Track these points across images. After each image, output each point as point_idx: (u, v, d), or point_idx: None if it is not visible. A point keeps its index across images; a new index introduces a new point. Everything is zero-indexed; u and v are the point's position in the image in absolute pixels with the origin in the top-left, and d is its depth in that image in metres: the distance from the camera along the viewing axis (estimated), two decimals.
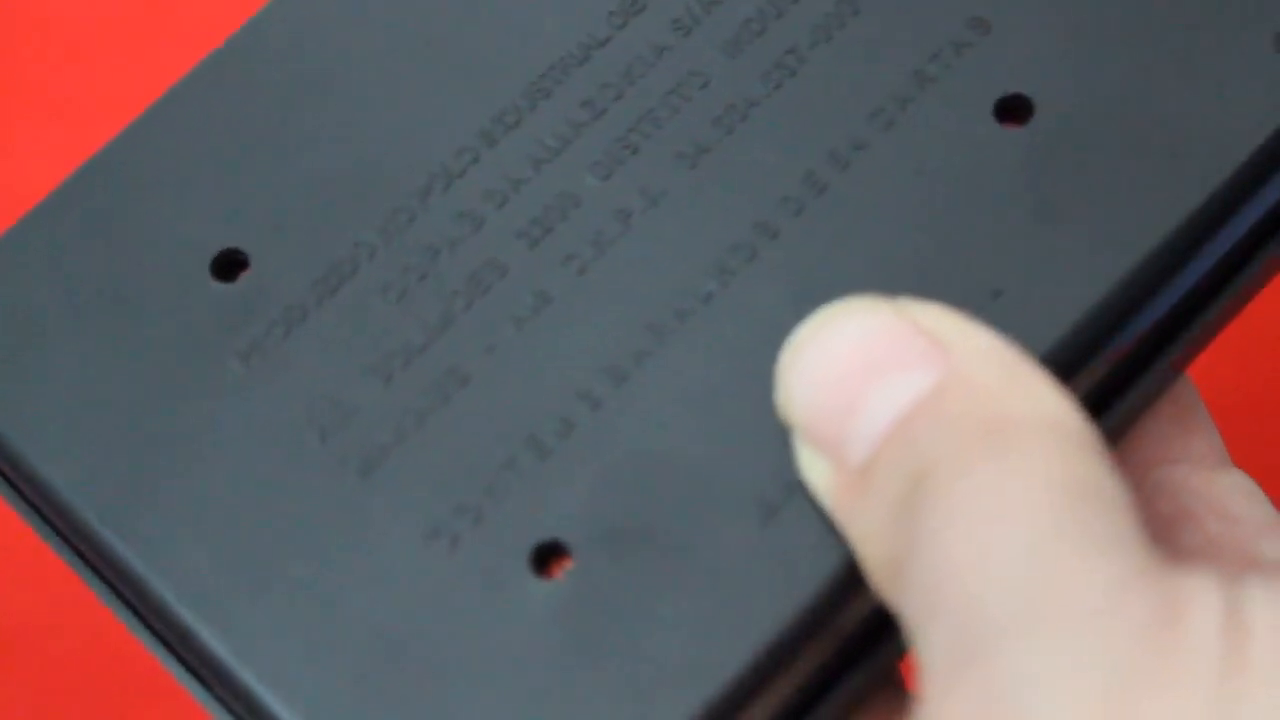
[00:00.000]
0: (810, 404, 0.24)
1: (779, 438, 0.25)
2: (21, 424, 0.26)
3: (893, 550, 0.23)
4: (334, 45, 0.28)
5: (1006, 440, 0.22)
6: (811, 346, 0.24)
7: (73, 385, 0.26)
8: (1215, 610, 0.21)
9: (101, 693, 0.37)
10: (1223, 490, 0.26)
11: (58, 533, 0.26)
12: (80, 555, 0.26)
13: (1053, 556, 0.22)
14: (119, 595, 0.26)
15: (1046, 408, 0.23)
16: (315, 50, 0.28)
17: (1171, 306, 0.25)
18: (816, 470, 0.24)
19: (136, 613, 0.25)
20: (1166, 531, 0.26)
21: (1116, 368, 0.25)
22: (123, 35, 0.42)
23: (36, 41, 0.42)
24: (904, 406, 0.23)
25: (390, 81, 0.27)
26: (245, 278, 0.26)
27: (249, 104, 0.27)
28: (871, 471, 0.23)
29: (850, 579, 0.24)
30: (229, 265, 0.27)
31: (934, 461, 0.22)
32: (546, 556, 0.24)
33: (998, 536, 0.22)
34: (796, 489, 0.24)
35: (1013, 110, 0.26)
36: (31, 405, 0.26)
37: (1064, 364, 0.25)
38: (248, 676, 0.24)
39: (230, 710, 0.25)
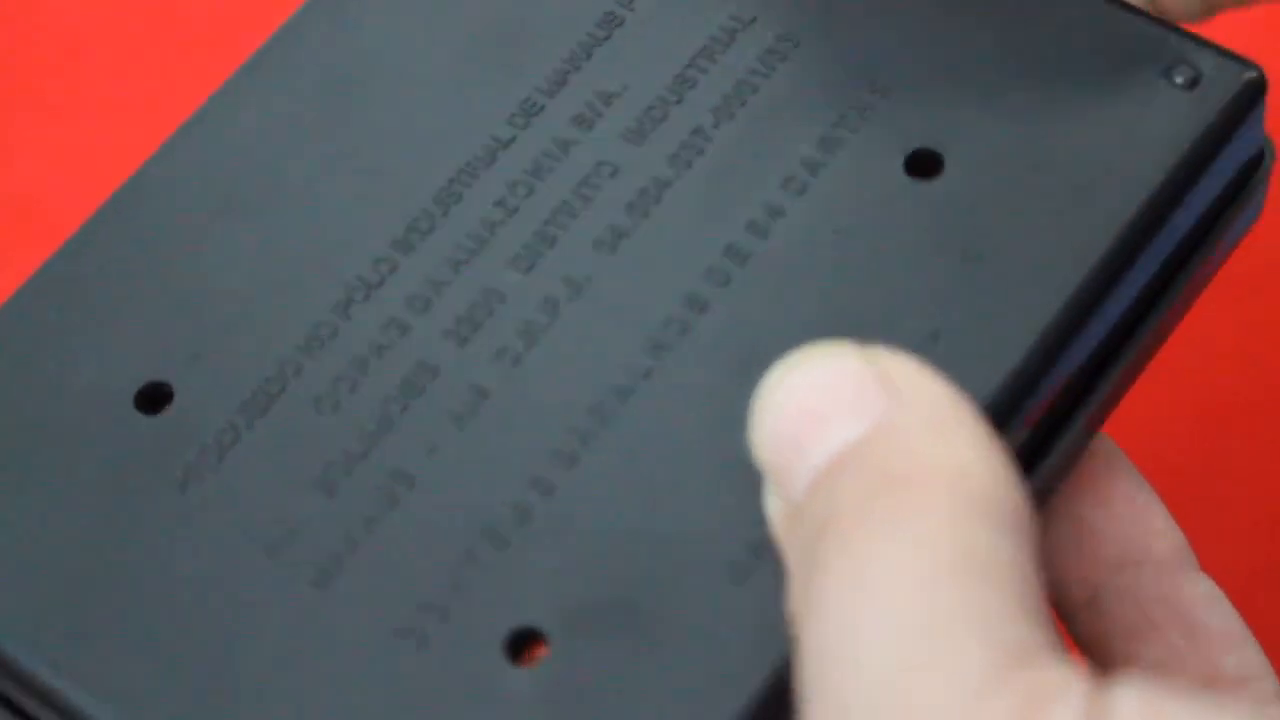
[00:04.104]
0: (769, 439, 0.24)
1: (737, 501, 0.24)
2: None
3: (797, 601, 0.23)
4: (238, 169, 0.27)
5: (905, 501, 0.22)
6: (777, 386, 0.24)
7: (7, 535, 0.25)
8: (1077, 712, 0.21)
9: None
10: (1187, 599, 0.26)
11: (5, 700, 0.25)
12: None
13: (919, 645, 0.21)
14: None
15: (959, 464, 0.23)
16: (219, 177, 0.27)
17: (1107, 331, 0.26)
18: (772, 504, 0.24)
19: None
20: (1129, 642, 0.26)
21: (1058, 401, 0.26)
22: (123, 35, 0.41)
23: (36, 41, 0.41)
24: (838, 451, 0.23)
25: (299, 199, 0.27)
26: (171, 408, 0.26)
27: (157, 236, 0.27)
28: (801, 511, 0.23)
29: None
30: (153, 398, 0.26)
31: (837, 514, 0.22)
32: (521, 644, 0.24)
33: (871, 616, 0.22)
34: (763, 548, 0.24)
35: (923, 165, 0.26)
36: None
37: (1012, 399, 0.25)
38: None
39: None
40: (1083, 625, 0.27)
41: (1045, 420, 0.26)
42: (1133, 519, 0.27)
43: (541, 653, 0.24)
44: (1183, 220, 0.26)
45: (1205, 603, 0.27)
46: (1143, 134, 0.26)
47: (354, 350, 0.26)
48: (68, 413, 0.26)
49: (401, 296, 0.26)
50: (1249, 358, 0.37)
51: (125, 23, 0.42)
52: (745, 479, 0.24)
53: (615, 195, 0.27)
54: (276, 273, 0.27)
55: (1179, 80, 0.26)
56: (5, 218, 0.40)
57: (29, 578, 0.25)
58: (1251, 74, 0.27)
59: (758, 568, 0.24)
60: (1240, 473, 0.36)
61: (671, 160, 0.27)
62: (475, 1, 0.28)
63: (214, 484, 0.25)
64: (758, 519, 0.24)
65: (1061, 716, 0.21)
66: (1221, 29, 0.31)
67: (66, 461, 0.26)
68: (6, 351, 0.26)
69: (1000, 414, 0.25)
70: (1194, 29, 0.28)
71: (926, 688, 0.21)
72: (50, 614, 0.25)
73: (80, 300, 0.27)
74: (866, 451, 0.23)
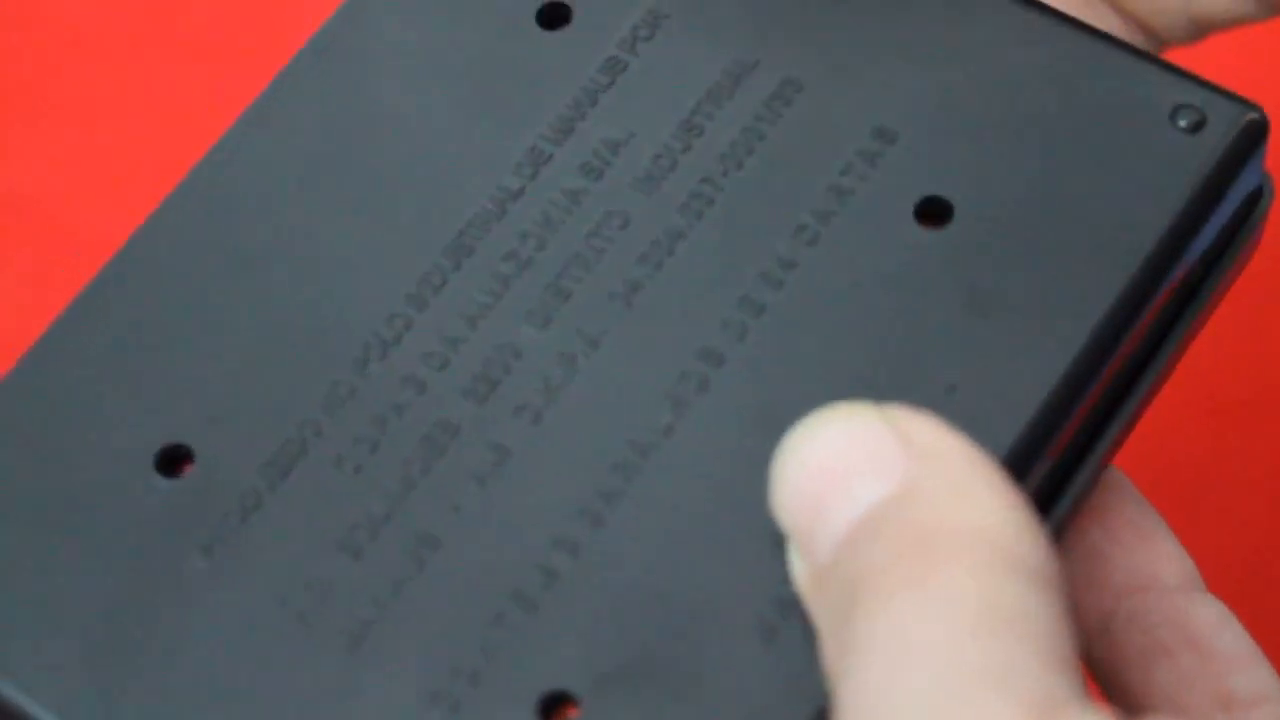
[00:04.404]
0: (790, 502, 0.24)
1: (763, 558, 0.25)
2: None
3: (833, 661, 0.23)
4: (246, 226, 0.27)
5: (933, 560, 0.23)
6: (798, 448, 0.24)
7: (33, 606, 0.25)
8: None
9: None
10: (1198, 623, 0.27)
11: None
12: None
13: (951, 700, 0.22)
14: None
15: (983, 521, 0.23)
16: (226, 234, 0.27)
17: (1118, 373, 0.26)
18: (798, 566, 0.24)
19: None
20: (1142, 667, 0.27)
21: (1071, 443, 0.26)
22: (123, 36, 0.41)
23: (37, 41, 0.41)
24: (862, 512, 0.23)
25: (309, 258, 0.27)
26: (192, 471, 0.26)
27: (166, 296, 0.27)
28: (827, 572, 0.23)
29: None
30: (173, 461, 0.26)
31: (868, 575, 0.23)
32: (553, 706, 0.24)
33: (904, 675, 0.22)
34: (790, 606, 0.24)
35: (932, 213, 0.27)
36: None
37: (1029, 448, 0.25)
38: None
39: None
40: (1095, 652, 0.27)
41: (1059, 463, 0.26)
42: (1140, 546, 0.28)
43: (573, 714, 0.24)
44: (1188, 260, 0.27)
45: (1215, 625, 0.27)
46: (1149, 178, 0.26)
47: (373, 409, 0.26)
48: (88, 477, 0.26)
49: (418, 354, 0.26)
50: (1250, 356, 0.37)
51: (126, 23, 0.42)
52: (770, 535, 0.24)
53: (627, 247, 0.27)
54: (290, 330, 0.27)
55: (1183, 124, 0.27)
56: (5, 218, 0.40)
57: (57, 643, 0.25)
58: (1253, 115, 0.27)
59: (785, 626, 0.24)
60: (1242, 472, 0.37)
61: (682, 210, 0.27)
62: (478, 48, 0.28)
63: (238, 548, 0.25)
64: (784, 576, 0.24)
65: None
66: (1210, 48, 0.32)
67: (89, 526, 0.26)
68: (22, 414, 0.26)
69: (1018, 463, 0.25)
70: (1190, 49, 0.29)
71: None
72: (80, 680, 0.25)
73: (93, 363, 0.27)
74: (892, 514, 0.23)
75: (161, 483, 0.26)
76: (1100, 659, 0.27)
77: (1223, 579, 0.29)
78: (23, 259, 0.39)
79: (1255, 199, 0.28)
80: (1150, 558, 0.27)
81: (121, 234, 0.28)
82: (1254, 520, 0.36)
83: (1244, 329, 0.33)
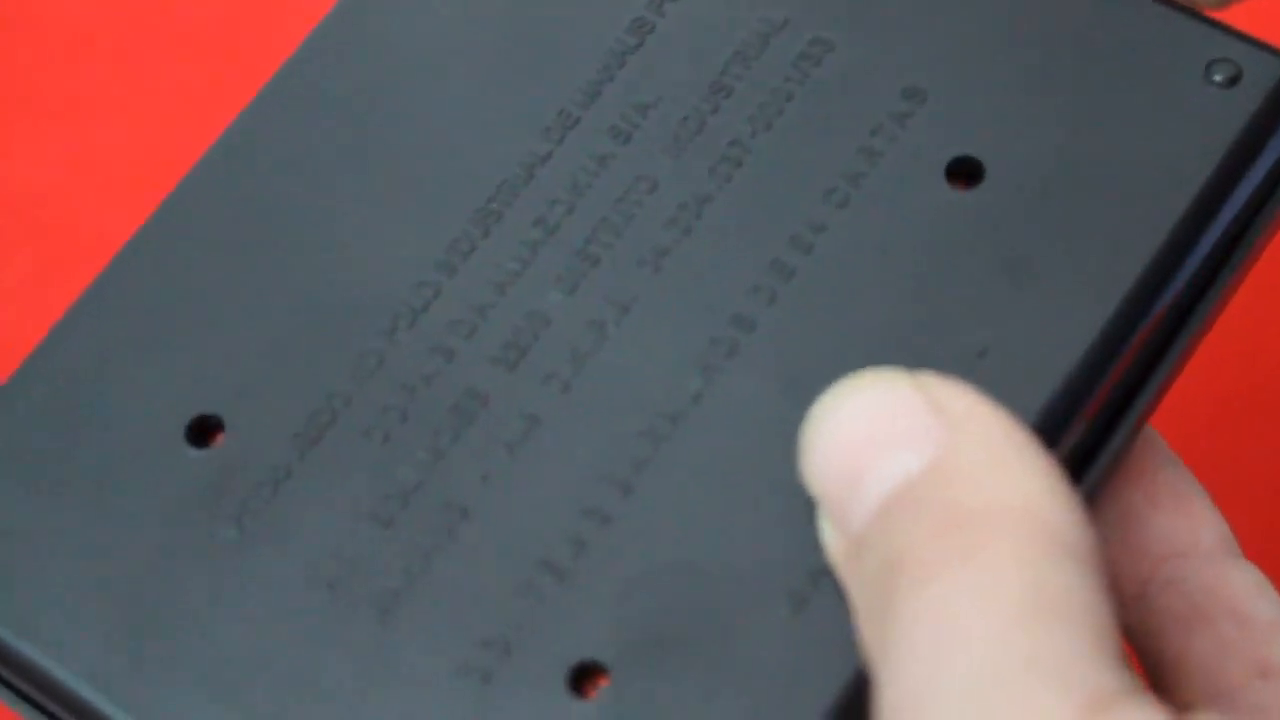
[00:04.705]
0: (822, 470, 0.24)
1: (795, 527, 0.24)
2: (20, 622, 0.25)
3: (870, 637, 0.23)
4: (273, 194, 0.27)
5: (973, 540, 0.22)
6: (829, 415, 0.24)
7: (65, 576, 0.25)
8: None
9: None
10: (1235, 589, 0.27)
11: None
12: None
13: (999, 691, 0.22)
14: None
15: (1025, 498, 0.23)
16: (254, 203, 0.27)
17: (1153, 335, 0.26)
18: (829, 534, 0.24)
19: None
20: (1180, 635, 0.26)
21: (1106, 406, 0.26)
22: (123, 35, 0.42)
23: (37, 41, 0.42)
24: (897, 484, 0.23)
25: (338, 226, 0.27)
26: (222, 442, 0.26)
27: (193, 266, 0.27)
28: (861, 545, 0.23)
29: None
30: (204, 431, 0.26)
31: (905, 553, 0.23)
32: (583, 677, 0.24)
33: (949, 664, 0.22)
34: (822, 576, 0.24)
35: (964, 173, 0.26)
36: (27, 602, 0.25)
37: (1061, 413, 0.25)
38: None
39: None
40: (1132, 618, 0.27)
41: (1092, 427, 0.26)
42: (1178, 509, 0.27)
43: (603, 684, 0.24)
44: (1226, 216, 0.26)
45: (1253, 592, 0.27)
46: (1184, 135, 0.26)
47: (401, 378, 0.26)
48: (119, 448, 0.26)
49: (446, 321, 0.26)
50: (1252, 350, 0.37)
51: (125, 23, 0.42)
52: (800, 503, 0.24)
53: (656, 211, 0.27)
54: (320, 301, 0.27)
55: (1218, 78, 0.26)
56: (5, 218, 0.40)
57: (88, 612, 0.25)
58: None
59: (815, 595, 0.24)
60: (1243, 470, 0.36)
61: (710, 173, 0.27)
62: (504, 11, 0.28)
63: (269, 518, 0.25)
64: (814, 544, 0.24)
65: None
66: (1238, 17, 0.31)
67: (120, 497, 0.26)
68: (53, 385, 0.27)
69: (1050, 428, 0.25)
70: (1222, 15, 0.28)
71: None
72: (110, 648, 0.25)
73: (122, 334, 0.27)
74: (929, 487, 0.23)
75: (192, 453, 0.26)
76: (1137, 625, 0.27)
77: None
78: (23, 259, 0.40)
79: None
80: (1188, 522, 0.27)
81: (122, 233, 0.28)
82: (1255, 520, 0.36)
83: (1246, 322, 0.33)
